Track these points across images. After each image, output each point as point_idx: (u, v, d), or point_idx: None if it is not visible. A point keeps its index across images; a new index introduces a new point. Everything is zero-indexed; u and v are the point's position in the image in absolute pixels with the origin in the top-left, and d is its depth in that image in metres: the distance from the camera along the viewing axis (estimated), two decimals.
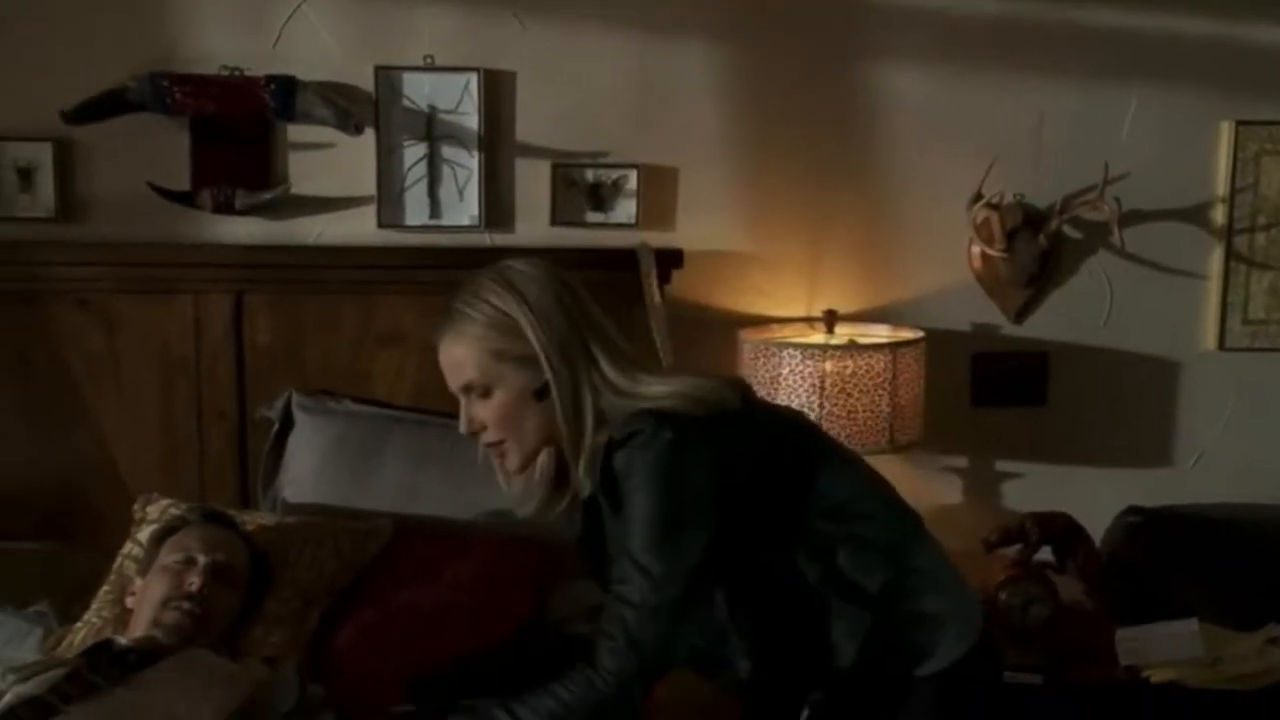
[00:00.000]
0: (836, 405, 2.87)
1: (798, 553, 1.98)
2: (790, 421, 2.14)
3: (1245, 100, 3.24)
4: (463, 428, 2.03)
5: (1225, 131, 3.23)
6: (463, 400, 2.02)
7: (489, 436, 2.01)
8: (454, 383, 2.01)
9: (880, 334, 3.08)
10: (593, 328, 2.00)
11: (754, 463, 1.98)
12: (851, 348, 2.94)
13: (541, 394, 1.96)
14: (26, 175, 3.14)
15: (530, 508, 2.11)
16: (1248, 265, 3.27)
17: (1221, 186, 3.26)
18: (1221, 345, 3.31)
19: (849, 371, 2.88)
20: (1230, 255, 3.27)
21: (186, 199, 3.13)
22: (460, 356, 1.98)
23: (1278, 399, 3.36)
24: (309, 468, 2.96)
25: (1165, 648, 2.72)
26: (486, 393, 1.98)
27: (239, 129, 3.13)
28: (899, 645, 2.00)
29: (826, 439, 2.16)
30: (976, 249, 3.18)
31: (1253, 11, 3.22)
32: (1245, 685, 2.64)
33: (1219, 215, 3.27)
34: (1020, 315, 3.27)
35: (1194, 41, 3.23)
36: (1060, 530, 2.91)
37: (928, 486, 3.26)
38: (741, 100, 3.17)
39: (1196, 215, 3.28)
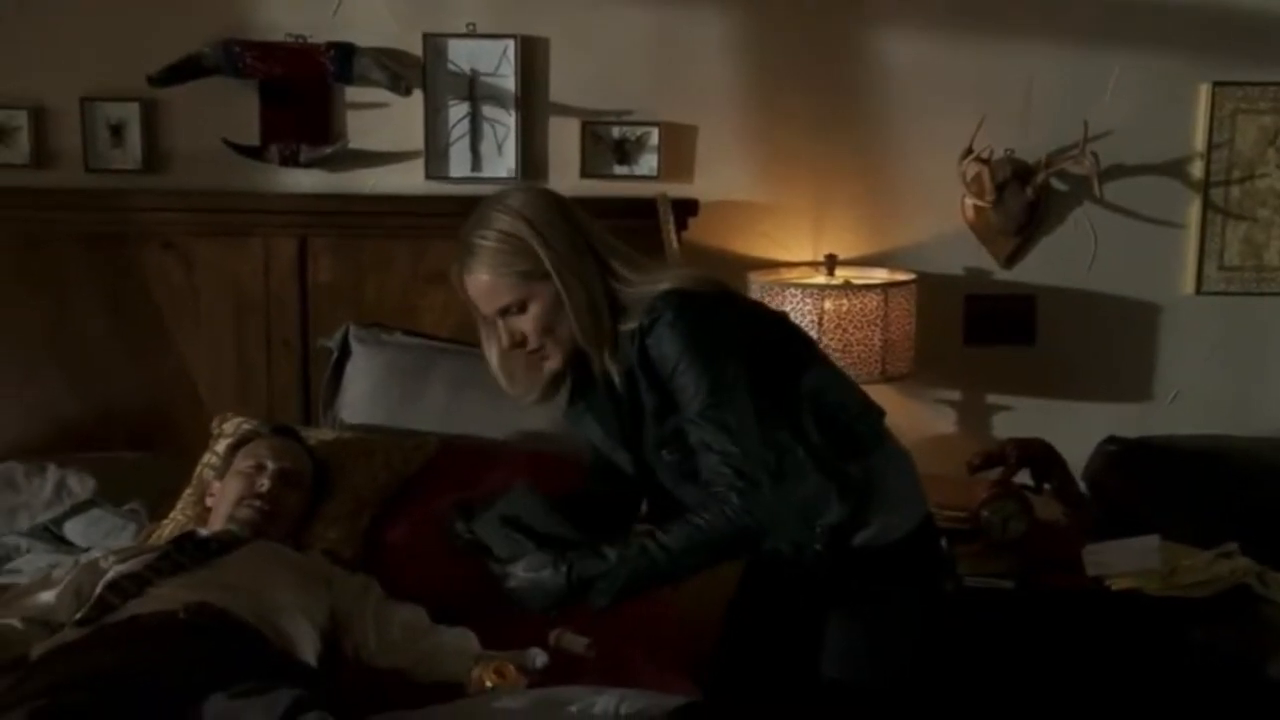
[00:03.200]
0: (834, 339, 3.05)
1: (786, 425, 2.13)
2: (778, 315, 2.34)
3: (1222, 62, 3.33)
4: (505, 343, 2.16)
5: (1203, 92, 3.33)
6: (499, 322, 2.14)
7: (531, 345, 2.14)
8: (489, 308, 2.14)
9: (876, 276, 3.24)
10: (594, 234, 2.15)
11: (753, 336, 2.14)
12: (847, 288, 3.13)
13: (578, 295, 2.09)
14: (117, 132, 3.29)
15: (530, 399, 2.26)
16: (1224, 216, 3.38)
17: (1200, 143, 3.36)
18: (1199, 290, 3.41)
19: (844, 309, 3.07)
20: (1207, 206, 3.38)
21: (256, 153, 3.29)
22: (489, 283, 2.11)
23: (1251, 340, 3.46)
24: (363, 391, 3.12)
25: (1127, 560, 2.88)
26: (522, 309, 2.11)
27: (303, 90, 3.27)
28: (865, 514, 2.17)
29: (808, 336, 2.35)
30: (969, 200, 3.33)
31: None
32: (1195, 593, 2.81)
33: (1197, 169, 3.37)
34: (1010, 261, 3.41)
35: (1175, 8, 3.32)
36: (1037, 454, 3.09)
37: (923, 417, 3.42)
38: (754, 63, 3.30)
39: (1176, 169, 3.38)
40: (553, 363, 2.17)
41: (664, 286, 2.09)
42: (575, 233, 2.13)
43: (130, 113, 3.29)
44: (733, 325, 2.12)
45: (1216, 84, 3.34)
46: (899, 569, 2.22)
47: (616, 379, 2.14)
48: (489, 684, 2.13)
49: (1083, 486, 3.27)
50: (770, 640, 2.34)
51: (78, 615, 2.20)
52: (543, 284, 2.09)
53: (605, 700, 2.01)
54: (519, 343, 2.15)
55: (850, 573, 2.20)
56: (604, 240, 2.17)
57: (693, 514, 2.04)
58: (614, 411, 2.20)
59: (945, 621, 2.41)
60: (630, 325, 2.09)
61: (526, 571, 2.07)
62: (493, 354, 2.24)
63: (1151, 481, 3.26)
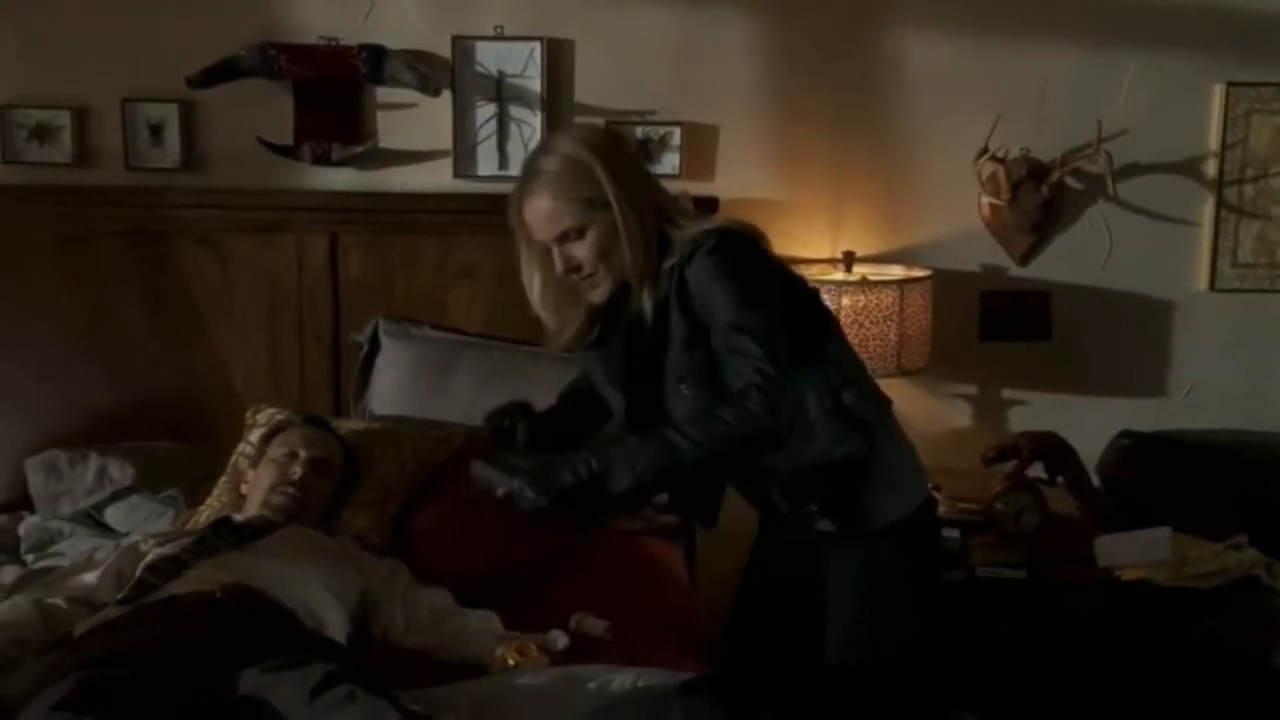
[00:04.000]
0: (851, 334, 2.99)
1: (803, 384, 2.20)
2: (810, 286, 2.39)
3: (1236, 63, 3.35)
4: (560, 268, 2.20)
5: (1217, 92, 3.37)
6: (554, 248, 2.19)
7: (585, 271, 2.19)
8: (549, 233, 2.18)
9: (893, 273, 3.29)
10: (647, 174, 2.28)
11: (787, 283, 2.24)
12: (863, 284, 3.18)
13: (635, 224, 2.16)
14: (156, 131, 3.36)
15: (567, 335, 2.32)
16: (1237, 214, 3.41)
17: (1214, 142, 3.39)
18: (1213, 286, 3.44)
19: (861, 305, 3.13)
20: (1221, 205, 3.41)
21: (290, 152, 3.35)
22: (552, 207, 2.16)
23: (1264, 336, 3.48)
24: (393, 383, 3.19)
25: (1138, 552, 2.92)
26: (581, 234, 2.17)
27: (335, 91, 3.33)
28: (864, 489, 2.24)
29: (831, 313, 2.44)
30: (985, 198, 3.37)
31: None
32: (1203, 584, 2.85)
33: (1211, 168, 3.40)
34: (1025, 258, 3.44)
35: (1189, 9, 3.34)
36: (1050, 448, 3.14)
37: (940, 411, 3.47)
38: (774, 64, 3.34)
39: (1190, 168, 3.41)
40: (600, 292, 2.22)
41: (707, 226, 2.19)
42: (635, 169, 2.23)
43: (169, 113, 3.37)
44: (770, 260, 2.22)
45: (1230, 84, 3.37)
46: (897, 552, 2.28)
47: (649, 311, 2.19)
48: (511, 662, 2.20)
49: (1097, 480, 3.31)
50: (774, 623, 2.41)
51: (119, 595, 2.28)
52: (602, 212, 2.15)
53: (623, 677, 2.08)
54: (573, 268, 2.19)
55: (848, 554, 2.28)
56: (658, 185, 2.27)
57: (716, 408, 2.08)
58: (624, 354, 2.27)
59: (946, 607, 2.48)
60: (671, 261, 2.17)
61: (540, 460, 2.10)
62: (535, 285, 2.30)
63: (1165, 475, 3.30)
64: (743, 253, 2.16)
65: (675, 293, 2.15)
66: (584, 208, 2.15)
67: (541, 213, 2.18)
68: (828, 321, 2.35)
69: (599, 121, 3.26)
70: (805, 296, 2.30)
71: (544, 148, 2.23)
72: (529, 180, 2.19)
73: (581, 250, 2.17)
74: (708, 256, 2.12)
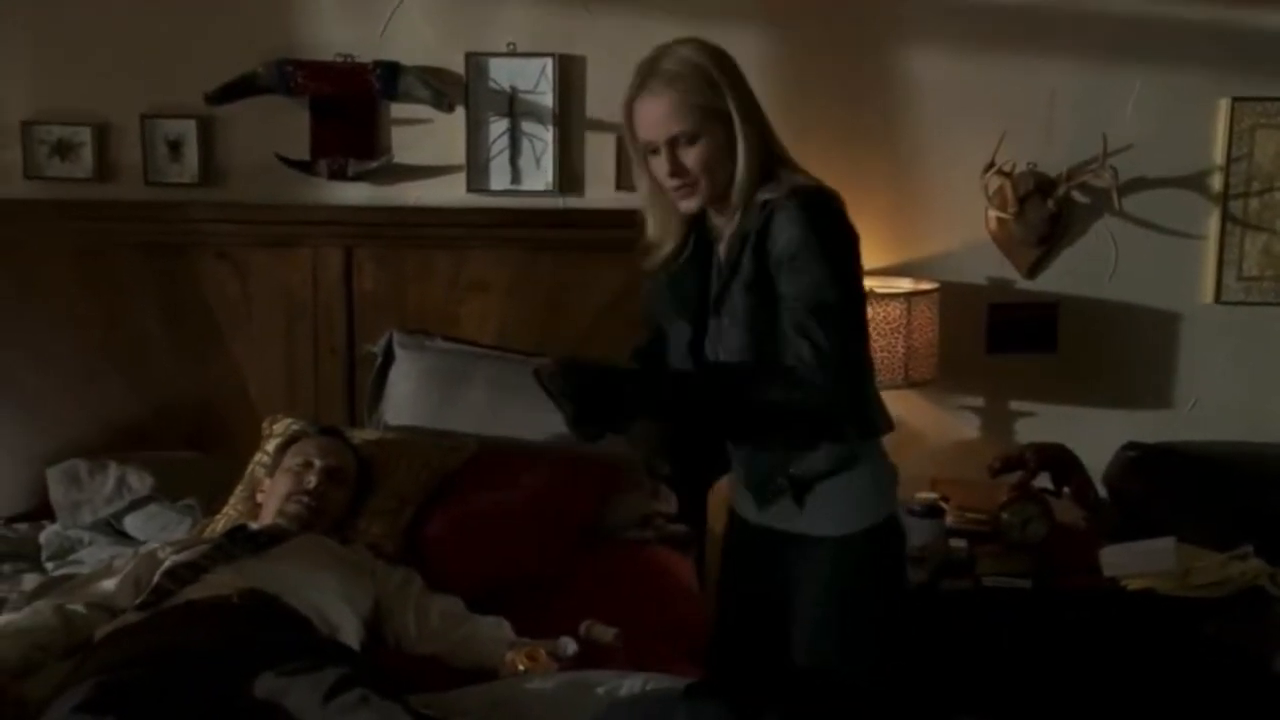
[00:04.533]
0: None
1: None
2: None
3: (1241, 78, 3.38)
4: (663, 171, 2.13)
5: (1223, 107, 3.39)
6: (662, 150, 2.12)
7: (688, 178, 2.12)
8: (659, 134, 2.11)
9: (901, 286, 3.31)
10: (758, 103, 2.18)
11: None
12: (871, 296, 3.11)
13: (731, 147, 2.11)
14: (176, 147, 3.40)
15: (664, 251, 2.26)
16: (1242, 227, 3.44)
17: (1219, 156, 3.41)
18: (1218, 299, 3.46)
19: (869, 317, 3.15)
20: (1226, 218, 3.43)
21: (306, 167, 3.39)
22: (669, 106, 2.09)
23: (1269, 349, 3.49)
24: (406, 395, 3.22)
25: (1143, 562, 2.95)
26: (693, 139, 2.10)
27: (350, 107, 3.36)
28: (845, 495, 2.22)
29: None
30: (992, 212, 3.40)
31: None
32: (1207, 594, 2.87)
33: (1216, 182, 3.43)
34: (1032, 271, 3.47)
35: (1195, 25, 3.37)
36: (1056, 459, 3.14)
37: (948, 422, 3.49)
38: (783, 79, 3.33)
39: (1195, 182, 3.43)
40: (692, 203, 2.17)
41: (811, 182, 2.14)
42: (751, 91, 2.17)
43: (188, 129, 3.41)
44: (858, 251, 2.17)
45: (1236, 99, 3.40)
46: (860, 561, 2.24)
47: (726, 238, 2.18)
48: (521, 667, 2.24)
49: (1103, 491, 3.33)
50: (747, 625, 2.39)
51: (137, 601, 2.32)
52: (717, 124, 2.11)
53: (631, 682, 2.12)
54: (677, 172, 2.13)
55: (815, 555, 2.24)
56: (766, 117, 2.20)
57: (792, 373, 2.06)
58: (699, 280, 2.24)
59: (912, 615, 2.46)
60: (767, 195, 2.12)
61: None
62: (643, 189, 2.25)
63: (1171, 486, 3.32)
64: (842, 226, 2.13)
65: (757, 232, 2.11)
66: (701, 115, 2.10)
67: (656, 112, 2.11)
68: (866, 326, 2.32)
69: (609, 135, 3.31)
70: (862, 297, 2.25)
71: (664, 50, 2.14)
72: (647, 78, 2.13)
73: (690, 157, 2.12)
74: (808, 212, 2.08)
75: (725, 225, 2.20)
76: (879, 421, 2.27)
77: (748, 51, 3.25)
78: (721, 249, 2.21)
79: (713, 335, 2.24)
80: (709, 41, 2.16)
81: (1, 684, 2.10)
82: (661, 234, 2.26)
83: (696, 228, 2.25)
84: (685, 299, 2.27)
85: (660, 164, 2.14)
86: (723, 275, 2.19)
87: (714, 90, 2.10)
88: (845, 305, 2.10)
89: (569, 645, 2.34)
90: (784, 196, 2.10)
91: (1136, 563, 2.97)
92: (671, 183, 2.15)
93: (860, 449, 2.24)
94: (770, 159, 2.16)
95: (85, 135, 3.43)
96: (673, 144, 2.12)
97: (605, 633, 2.43)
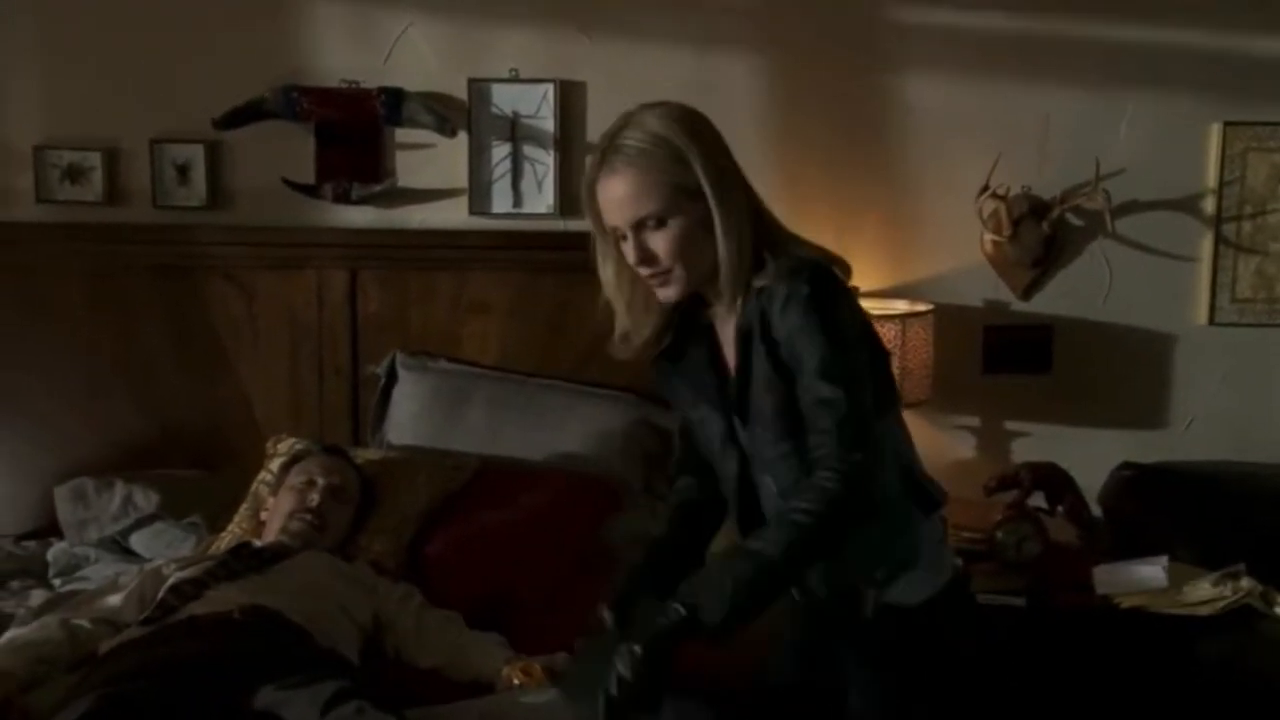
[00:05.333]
0: None
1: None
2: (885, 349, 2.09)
3: (1233, 103, 3.41)
4: (632, 258, 1.91)
5: (1215, 131, 3.42)
6: (629, 235, 1.91)
7: (659, 266, 1.90)
8: (628, 216, 1.88)
9: (896, 307, 3.34)
10: (740, 171, 1.94)
11: (873, 347, 1.99)
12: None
13: (710, 225, 1.88)
14: (183, 171, 3.44)
15: (636, 342, 2.03)
16: (1235, 249, 3.46)
17: (1212, 180, 3.44)
18: (1212, 320, 3.48)
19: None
20: (1219, 240, 3.45)
21: (312, 191, 3.43)
22: (633, 188, 1.87)
23: (1262, 369, 3.51)
24: (409, 414, 3.26)
25: (1135, 580, 2.96)
26: (661, 223, 1.88)
27: (355, 132, 3.40)
28: (900, 571, 2.01)
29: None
30: (987, 235, 3.43)
31: (1240, 23, 3.39)
32: (1200, 611, 2.87)
33: (1209, 205, 3.45)
34: (1027, 293, 3.49)
35: (1187, 51, 3.40)
36: (1050, 478, 3.19)
37: (945, 443, 3.50)
38: (780, 104, 3.41)
39: (1189, 205, 3.46)
40: (670, 291, 1.94)
41: (804, 255, 1.92)
42: (731, 162, 1.93)
43: (196, 154, 3.46)
44: (865, 321, 1.99)
45: (1228, 123, 3.43)
46: (918, 633, 2.03)
47: (732, 336, 1.96)
48: (517, 682, 2.28)
49: (1098, 510, 3.36)
50: (797, 698, 2.18)
51: (142, 616, 2.37)
52: (691, 202, 1.88)
53: None
54: (646, 259, 1.91)
55: (870, 632, 2.04)
56: (751, 187, 1.97)
57: (790, 503, 1.85)
58: (712, 370, 2.03)
59: (966, 687, 2.21)
60: (761, 282, 1.90)
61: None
62: (608, 275, 2.01)
63: (1165, 505, 3.33)
64: (838, 303, 1.89)
65: (759, 323, 1.90)
66: (670, 193, 1.87)
67: (618, 195, 1.89)
68: (893, 388, 2.09)
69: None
70: (883, 358, 2.03)
71: (627, 120, 1.91)
72: (607, 153, 1.90)
73: (659, 242, 1.89)
74: (802, 301, 1.85)
75: (724, 315, 1.98)
76: (934, 495, 2.09)
77: (742, 80, 3.41)
78: (726, 345, 2.00)
79: (748, 444, 2.01)
80: (679, 106, 1.94)
81: (9, 695, 2.14)
82: (633, 324, 2.03)
83: (684, 315, 2.04)
84: (701, 387, 2.05)
85: (629, 250, 1.92)
86: (738, 378, 1.97)
87: (682, 164, 1.87)
88: (855, 385, 1.86)
89: (565, 661, 2.32)
90: (776, 281, 1.88)
91: (1130, 581, 2.98)
92: (643, 271, 1.93)
93: (929, 522, 2.06)
94: (761, 235, 1.93)
95: (95, 160, 3.48)
96: (639, 228, 1.90)
97: None
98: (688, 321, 2.04)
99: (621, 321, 2.04)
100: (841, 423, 1.83)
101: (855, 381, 1.86)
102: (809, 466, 1.88)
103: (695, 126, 1.91)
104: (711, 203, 1.88)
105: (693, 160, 1.87)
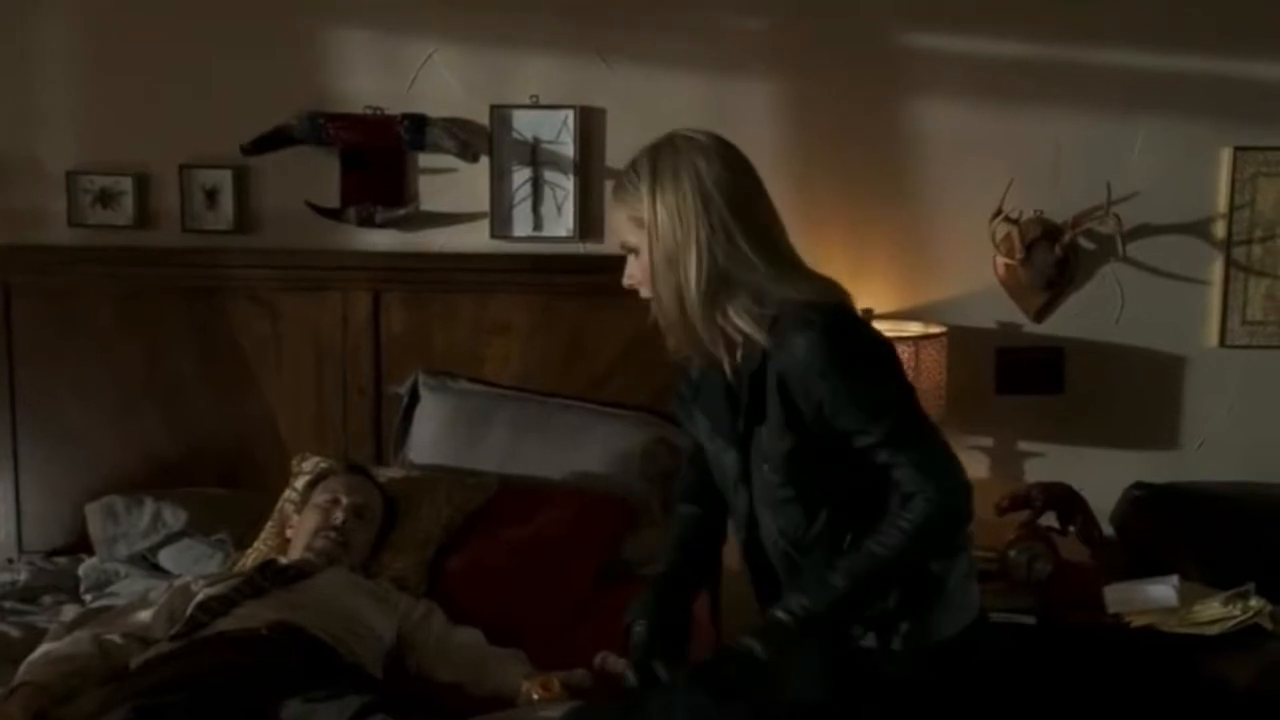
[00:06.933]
0: None
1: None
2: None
3: (1243, 128, 3.43)
4: (625, 280, 2.00)
5: (1225, 156, 3.44)
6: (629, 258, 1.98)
7: (642, 293, 1.97)
8: (618, 240, 1.99)
9: (910, 330, 3.36)
10: (738, 208, 1.90)
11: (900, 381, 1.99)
12: None
13: (676, 260, 1.89)
14: (212, 196, 3.50)
15: (671, 342, 2.02)
16: (1246, 273, 3.48)
17: (1222, 204, 3.46)
18: (1223, 343, 3.50)
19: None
20: (1230, 264, 3.48)
21: (336, 215, 3.47)
22: (616, 218, 1.97)
23: (1273, 391, 3.52)
24: (431, 434, 3.30)
25: (1146, 599, 3.00)
26: (635, 251, 1.95)
27: (379, 157, 3.45)
28: (920, 609, 2.02)
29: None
30: (1000, 258, 3.46)
31: (1251, 49, 3.42)
32: (1209, 630, 2.90)
33: (1220, 229, 3.48)
34: (1040, 315, 3.52)
35: (1198, 77, 3.43)
36: (1061, 498, 3.22)
37: None
38: (795, 129, 3.44)
39: (1200, 229, 3.48)
40: (659, 316, 1.98)
41: (808, 296, 1.90)
42: (708, 200, 1.89)
43: (224, 179, 3.51)
44: (889, 351, 1.99)
45: (1238, 148, 3.45)
46: (939, 672, 2.03)
47: (729, 373, 1.97)
48: (536, 697, 2.33)
49: (1110, 530, 3.38)
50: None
51: (171, 632, 2.43)
52: (659, 243, 1.91)
53: None
54: (631, 286, 2.00)
55: (890, 672, 2.03)
56: (747, 218, 1.92)
57: (889, 517, 1.91)
58: (729, 406, 2.02)
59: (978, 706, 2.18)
60: (766, 315, 1.90)
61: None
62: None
63: (1176, 525, 3.35)
64: (859, 343, 1.92)
65: (772, 367, 1.91)
66: (632, 225, 1.95)
67: (612, 219, 2.04)
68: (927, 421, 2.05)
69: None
70: (910, 393, 2.00)
71: (638, 156, 1.97)
72: (618, 182, 2.01)
73: (634, 269, 1.98)
74: (819, 346, 1.85)
75: (723, 355, 1.99)
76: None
77: (758, 105, 3.44)
78: (732, 380, 2.00)
79: (755, 482, 2.03)
80: (679, 134, 1.96)
81: (43, 708, 2.20)
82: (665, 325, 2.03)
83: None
84: (718, 421, 2.05)
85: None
86: (743, 414, 1.98)
87: (636, 197, 1.93)
88: (909, 418, 1.93)
89: (583, 677, 2.40)
90: (787, 334, 1.88)
91: (1140, 600, 3.01)
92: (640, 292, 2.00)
93: (956, 560, 2.05)
94: (733, 270, 1.90)
95: (126, 185, 3.53)
96: (626, 251, 1.99)
97: (618, 664, 2.47)
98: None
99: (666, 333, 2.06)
100: (909, 452, 1.89)
101: (896, 405, 1.91)
102: (811, 515, 1.96)
103: (671, 158, 1.91)
104: (648, 234, 1.91)
105: (643, 193, 1.91)
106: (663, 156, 1.92)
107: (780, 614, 1.91)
